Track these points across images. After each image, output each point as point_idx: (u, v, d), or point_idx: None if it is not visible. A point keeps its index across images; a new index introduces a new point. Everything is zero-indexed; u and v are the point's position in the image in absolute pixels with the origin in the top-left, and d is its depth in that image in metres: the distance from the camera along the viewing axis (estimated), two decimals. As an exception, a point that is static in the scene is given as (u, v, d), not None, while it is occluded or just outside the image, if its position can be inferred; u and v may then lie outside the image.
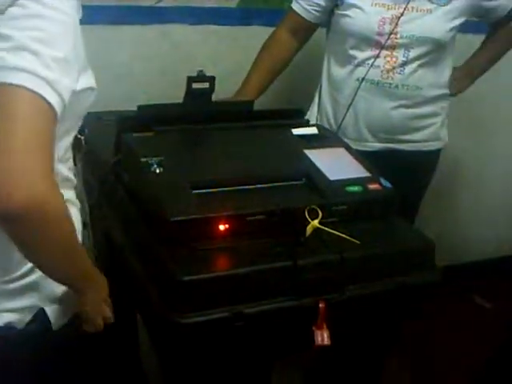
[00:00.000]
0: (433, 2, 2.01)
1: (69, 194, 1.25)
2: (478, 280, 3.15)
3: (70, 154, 1.25)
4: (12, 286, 1.18)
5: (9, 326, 1.19)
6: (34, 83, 0.97)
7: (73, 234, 1.10)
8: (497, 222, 3.29)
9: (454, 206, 3.17)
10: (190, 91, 1.62)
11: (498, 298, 3.10)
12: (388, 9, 1.99)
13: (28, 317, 1.21)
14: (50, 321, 1.23)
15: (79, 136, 1.29)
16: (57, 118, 1.01)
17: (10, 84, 0.96)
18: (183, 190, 1.38)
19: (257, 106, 2.00)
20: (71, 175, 1.27)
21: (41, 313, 1.22)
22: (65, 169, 1.22)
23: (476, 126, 2.98)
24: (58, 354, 1.28)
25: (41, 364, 1.27)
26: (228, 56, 2.32)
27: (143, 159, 1.43)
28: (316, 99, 2.20)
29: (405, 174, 1.96)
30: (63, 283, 1.20)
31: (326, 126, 2.11)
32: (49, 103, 0.98)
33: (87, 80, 1.14)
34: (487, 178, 3.16)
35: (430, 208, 2.69)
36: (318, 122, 2.12)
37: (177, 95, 1.67)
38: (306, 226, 1.38)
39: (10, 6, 0.99)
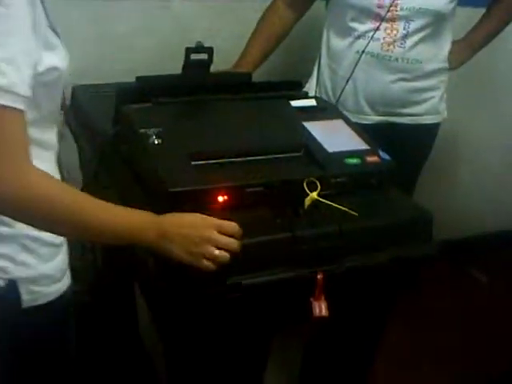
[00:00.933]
0: None
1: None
2: (475, 254, 3.16)
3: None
4: None
5: None
6: None
7: (71, 205, 1.11)
8: (495, 197, 3.29)
9: (453, 181, 3.18)
10: (188, 62, 1.61)
11: (495, 272, 3.12)
12: None
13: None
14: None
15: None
16: (24, 115, 1.04)
17: None
18: (182, 162, 1.38)
19: (255, 78, 1.99)
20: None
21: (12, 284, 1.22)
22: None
23: (474, 100, 2.97)
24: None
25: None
26: (226, 28, 2.31)
27: (142, 130, 1.43)
28: (315, 71, 2.18)
29: (403, 147, 1.96)
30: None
31: (325, 98, 2.10)
32: (11, 107, 1.01)
33: (51, 60, 1.13)
34: (485, 152, 3.16)
35: (429, 183, 2.69)
36: (317, 93, 2.12)
37: (176, 67, 1.66)
38: (305, 197, 1.37)
39: None
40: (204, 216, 1.23)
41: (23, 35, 1.03)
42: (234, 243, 1.22)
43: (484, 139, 3.11)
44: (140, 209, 1.23)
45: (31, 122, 1.12)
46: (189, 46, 1.62)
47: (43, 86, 1.13)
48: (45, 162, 1.20)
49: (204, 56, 1.63)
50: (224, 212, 1.34)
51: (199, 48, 1.62)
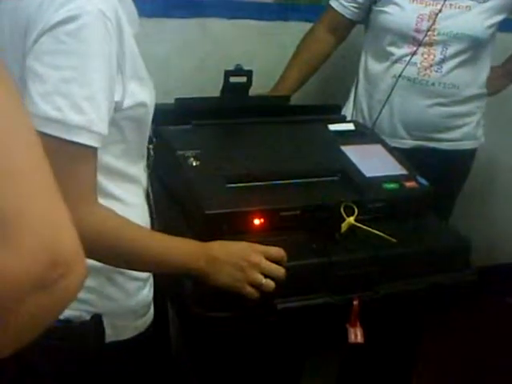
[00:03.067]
0: None
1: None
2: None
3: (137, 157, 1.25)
4: None
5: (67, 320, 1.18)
6: (66, 133, 0.99)
7: (129, 242, 1.13)
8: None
9: (489, 207, 3.13)
10: (227, 85, 1.62)
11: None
12: (426, 5, 1.98)
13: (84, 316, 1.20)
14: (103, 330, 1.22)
15: (148, 146, 1.30)
16: (97, 152, 1.05)
17: (43, 133, 0.96)
18: (219, 184, 1.39)
19: (294, 101, 2.00)
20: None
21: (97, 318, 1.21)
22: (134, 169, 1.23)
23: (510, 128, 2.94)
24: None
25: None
26: (265, 51, 2.32)
27: (179, 152, 1.44)
28: (352, 95, 2.18)
29: (440, 172, 1.94)
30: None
31: (361, 121, 2.10)
32: (86, 145, 1.01)
33: (139, 94, 1.13)
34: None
35: (465, 208, 2.66)
36: (354, 117, 2.12)
37: (215, 90, 1.68)
38: (342, 222, 1.37)
39: (41, 35, 0.98)
40: (251, 243, 1.24)
41: (103, 72, 1.02)
42: (280, 270, 1.22)
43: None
44: (177, 230, 1.24)
45: (119, 155, 1.14)
46: (227, 68, 1.63)
47: (131, 120, 1.13)
48: (132, 195, 1.23)
49: (243, 79, 1.64)
50: (260, 235, 1.34)
51: (238, 71, 1.64)
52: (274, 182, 1.44)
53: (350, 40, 2.20)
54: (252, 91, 1.76)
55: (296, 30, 2.20)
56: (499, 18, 2.04)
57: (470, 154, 2.23)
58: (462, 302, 1.65)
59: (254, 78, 1.65)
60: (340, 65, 2.31)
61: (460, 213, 2.39)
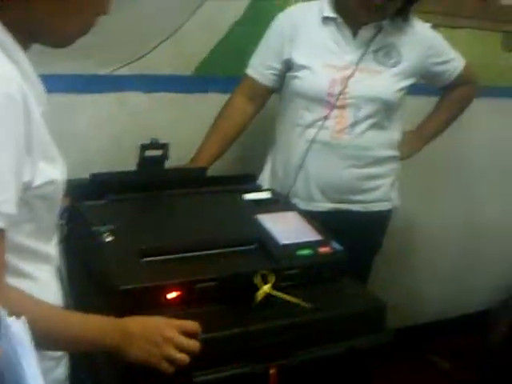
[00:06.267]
0: (381, 64, 2.08)
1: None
2: (436, 340, 3.16)
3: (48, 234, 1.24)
4: None
5: None
6: None
7: (39, 322, 1.09)
8: (453, 283, 3.32)
9: (408, 268, 3.18)
10: (143, 159, 1.64)
11: (456, 358, 3.11)
12: (338, 70, 2.04)
13: None
14: None
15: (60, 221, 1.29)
16: (5, 233, 1.02)
17: None
18: (133, 259, 1.39)
19: (212, 171, 2.03)
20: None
21: None
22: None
23: (427, 190, 3.03)
24: None
25: None
26: (184, 123, 2.34)
27: (95, 228, 1.44)
28: (268, 162, 2.22)
29: (356, 234, 1.98)
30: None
31: (278, 187, 2.12)
32: None
33: (49, 173, 1.12)
34: (441, 239, 3.20)
35: (386, 271, 2.72)
36: (271, 184, 2.14)
37: (133, 163, 1.69)
38: (258, 291, 1.38)
39: None
40: (166, 318, 1.24)
41: (11, 153, 1.01)
42: (194, 344, 1.22)
43: (439, 226, 3.15)
44: (93, 306, 1.23)
45: (30, 234, 1.13)
46: (146, 142, 1.65)
47: (41, 198, 1.12)
48: (44, 273, 1.20)
49: (159, 152, 1.66)
50: (177, 308, 1.34)
51: (154, 144, 1.65)
52: (190, 254, 1.45)
53: (267, 107, 2.25)
54: (170, 163, 1.79)
55: (215, 101, 2.22)
56: (408, 82, 2.12)
57: (386, 216, 2.26)
58: (383, 361, 1.68)
59: (174, 151, 1.67)
60: (257, 132, 2.35)
61: (379, 274, 2.43)
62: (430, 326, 3.23)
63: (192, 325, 1.24)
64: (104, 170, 1.74)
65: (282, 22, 2.11)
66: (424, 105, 2.40)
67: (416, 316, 3.16)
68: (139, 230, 1.50)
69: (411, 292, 3.15)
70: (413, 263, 3.18)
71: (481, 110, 2.64)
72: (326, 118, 2.04)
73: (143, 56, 2.22)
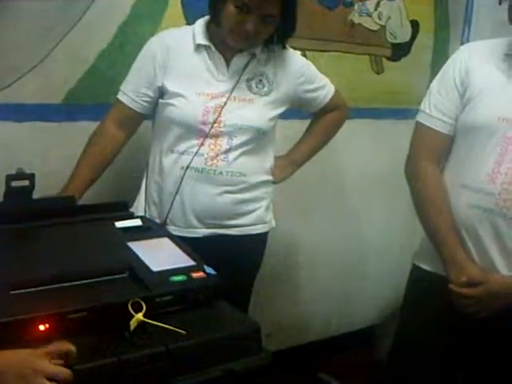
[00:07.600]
0: (254, 93, 2.12)
1: None
2: (323, 358, 3.21)
3: None
4: None
5: None
6: None
7: None
8: (333, 301, 3.40)
9: (292, 289, 3.22)
10: (9, 190, 1.60)
11: (344, 374, 3.17)
12: (212, 98, 2.07)
13: None
14: None
15: None
16: None
17: None
18: (1, 292, 1.34)
19: (84, 200, 2.00)
20: None
21: None
22: None
23: (303, 210, 3.11)
24: None
25: None
26: (55, 152, 2.31)
27: (-43, 263, 1.39)
28: (142, 189, 2.21)
29: (234, 258, 2.01)
30: None
31: (154, 214, 2.14)
32: None
33: None
34: (323, 257, 3.28)
35: (268, 292, 2.76)
36: (146, 212, 2.14)
37: (0, 195, 1.64)
38: (131, 319, 1.37)
39: None
40: (33, 350, 1.21)
41: None
42: (66, 372, 1.20)
43: (318, 245, 3.23)
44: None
45: None
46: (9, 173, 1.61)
47: None
48: None
49: (26, 183, 1.63)
50: (49, 340, 1.31)
51: (20, 175, 1.62)
52: (60, 285, 1.42)
53: (140, 134, 2.25)
54: (43, 192, 1.75)
55: (85, 129, 2.20)
56: (280, 110, 2.19)
57: (262, 238, 2.30)
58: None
59: (45, 180, 1.63)
60: (130, 159, 2.34)
61: (261, 296, 2.46)
62: (316, 345, 3.29)
63: (62, 344, 1.22)
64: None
65: (155, 46, 2.11)
66: (297, 127, 2.47)
67: (300, 336, 3.21)
68: (7, 263, 1.45)
69: (295, 311, 3.20)
70: (295, 283, 3.24)
71: (353, 131, 2.75)
72: (200, 145, 2.06)
73: (9, 85, 2.17)
